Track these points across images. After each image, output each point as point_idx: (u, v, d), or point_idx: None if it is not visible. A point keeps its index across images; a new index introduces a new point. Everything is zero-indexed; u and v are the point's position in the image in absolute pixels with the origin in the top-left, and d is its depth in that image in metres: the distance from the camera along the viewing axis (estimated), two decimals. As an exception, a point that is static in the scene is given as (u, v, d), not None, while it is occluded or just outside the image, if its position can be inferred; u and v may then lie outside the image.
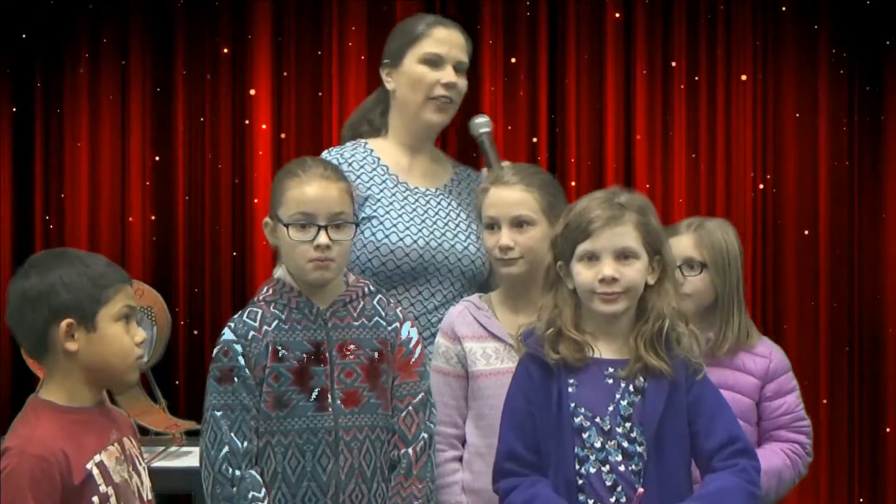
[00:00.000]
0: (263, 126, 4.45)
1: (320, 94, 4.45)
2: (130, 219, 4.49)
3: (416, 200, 3.06)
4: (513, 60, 4.44)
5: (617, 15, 4.42)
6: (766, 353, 2.91)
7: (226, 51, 4.48)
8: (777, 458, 2.86)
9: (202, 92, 4.48)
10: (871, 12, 4.34)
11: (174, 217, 4.49)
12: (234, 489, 2.55)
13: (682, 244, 2.92)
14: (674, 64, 4.40)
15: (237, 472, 2.55)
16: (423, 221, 3.02)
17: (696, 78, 4.40)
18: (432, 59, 3.04)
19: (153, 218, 4.49)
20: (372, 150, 3.10)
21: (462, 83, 3.07)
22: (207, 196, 4.49)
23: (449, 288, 3.01)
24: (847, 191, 4.37)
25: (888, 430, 4.40)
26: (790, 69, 4.38)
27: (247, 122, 4.48)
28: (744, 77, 4.38)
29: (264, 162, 4.42)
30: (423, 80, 3.04)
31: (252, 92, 4.46)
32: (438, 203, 3.07)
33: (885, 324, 4.38)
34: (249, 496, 2.54)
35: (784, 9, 4.38)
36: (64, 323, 2.25)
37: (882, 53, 4.34)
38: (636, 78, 4.41)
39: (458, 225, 3.05)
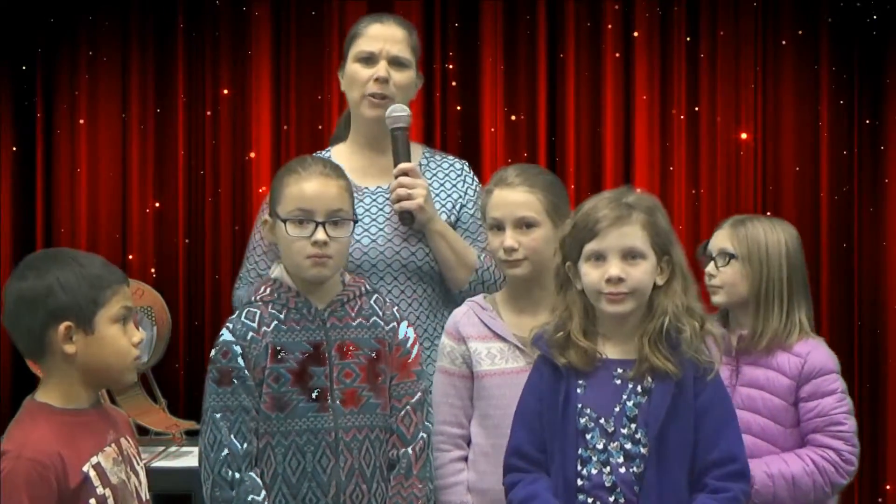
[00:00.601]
0: (261, 189, 4.43)
1: (320, 126, 4.47)
2: (130, 256, 4.47)
3: (361, 201, 3.01)
4: (512, 117, 4.45)
5: (617, 55, 4.43)
6: (803, 354, 2.83)
7: (226, 91, 4.50)
8: (796, 464, 2.78)
9: (202, 130, 4.51)
10: (872, 44, 4.36)
11: (174, 254, 4.50)
12: (234, 492, 2.52)
13: (719, 237, 2.93)
14: (674, 111, 4.41)
15: (237, 475, 2.53)
16: (360, 221, 2.97)
17: (696, 109, 4.41)
18: (365, 56, 3.03)
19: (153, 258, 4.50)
20: (330, 157, 3.08)
21: (399, 77, 3.03)
22: (208, 234, 4.50)
23: (392, 284, 2.96)
24: (847, 228, 4.37)
25: (888, 487, 4.35)
26: (790, 107, 4.40)
27: (250, 155, 4.49)
28: (744, 135, 4.39)
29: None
30: (357, 78, 3.03)
31: (252, 155, 4.47)
32: (385, 201, 3.03)
33: (888, 378, 4.36)
34: (249, 499, 2.52)
35: (784, 42, 4.39)
36: (62, 326, 2.22)
37: (883, 84, 4.35)
38: (635, 119, 4.42)
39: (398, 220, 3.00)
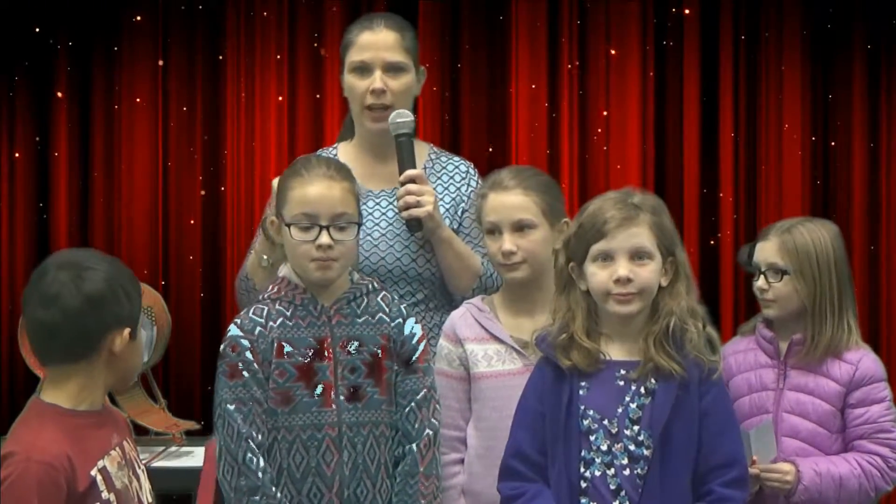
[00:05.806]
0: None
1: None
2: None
3: (364, 203, 2.95)
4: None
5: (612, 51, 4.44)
6: (854, 361, 2.83)
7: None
8: (844, 466, 2.79)
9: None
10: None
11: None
12: (260, 478, 2.53)
13: (766, 249, 2.89)
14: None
15: (261, 463, 2.54)
16: (363, 224, 2.91)
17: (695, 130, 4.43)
18: (359, 67, 2.98)
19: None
20: (335, 155, 3.06)
21: (396, 84, 2.97)
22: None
23: (392, 289, 2.88)
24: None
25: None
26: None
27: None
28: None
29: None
30: (354, 90, 2.99)
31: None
32: (388, 205, 3.01)
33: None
34: (272, 491, 2.54)
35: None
36: (126, 331, 2.22)
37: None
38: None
39: (401, 226, 2.97)
